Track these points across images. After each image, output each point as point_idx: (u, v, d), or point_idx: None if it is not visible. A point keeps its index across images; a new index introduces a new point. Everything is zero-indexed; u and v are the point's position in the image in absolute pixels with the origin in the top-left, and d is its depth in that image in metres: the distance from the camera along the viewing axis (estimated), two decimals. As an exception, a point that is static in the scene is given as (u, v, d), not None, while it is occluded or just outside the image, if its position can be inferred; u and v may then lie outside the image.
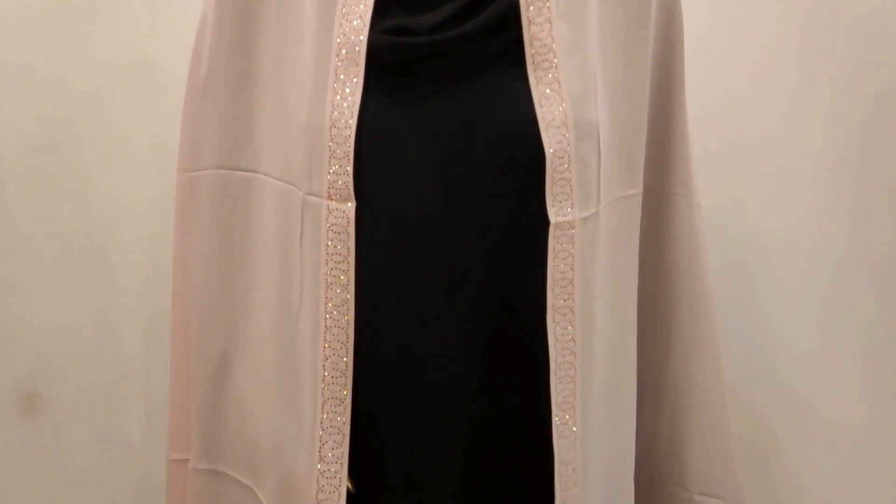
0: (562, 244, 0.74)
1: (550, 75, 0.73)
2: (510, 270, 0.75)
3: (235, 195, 0.80)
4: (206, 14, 0.80)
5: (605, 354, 0.78)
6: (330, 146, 0.72)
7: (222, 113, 0.80)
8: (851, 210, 1.05)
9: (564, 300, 0.74)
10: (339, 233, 0.73)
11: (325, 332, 0.73)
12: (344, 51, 0.72)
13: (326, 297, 0.73)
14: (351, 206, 0.73)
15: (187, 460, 0.87)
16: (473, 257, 0.74)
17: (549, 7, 0.73)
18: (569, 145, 0.72)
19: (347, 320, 0.73)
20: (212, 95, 0.80)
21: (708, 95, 1.07)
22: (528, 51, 0.73)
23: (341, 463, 0.74)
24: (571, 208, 0.74)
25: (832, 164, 1.05)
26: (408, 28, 0.73)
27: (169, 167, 0.91)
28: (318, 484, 0.74)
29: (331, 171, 0.72)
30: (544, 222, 0.73)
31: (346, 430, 0.74)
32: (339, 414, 0.74)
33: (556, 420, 0.74)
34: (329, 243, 0.73)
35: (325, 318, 0.73)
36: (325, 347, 0.74)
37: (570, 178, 0.73)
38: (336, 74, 0.73)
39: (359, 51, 0.72)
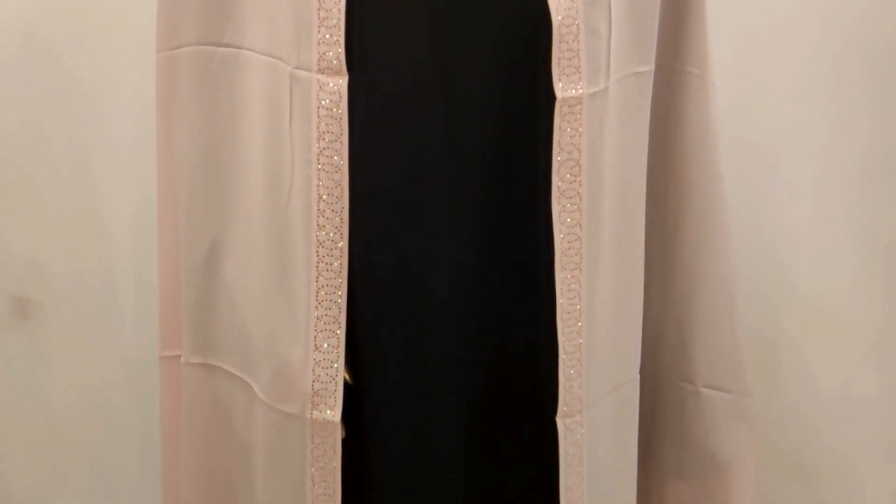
0: (568, 122, 0.69)
1: None
2: (513, 150, 0.71)
3: (219, 73, 0.75)
4: None
5: (613, 241, 0.74)
6: (319, 13, 0.66)
7: None
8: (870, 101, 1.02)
9: (570, 182, 0.70)
10: (331, 109, 0.68)
11: (318, 217, 0.70)
12: None
13: (319, 179, 0.69)
14: (343, 81, 0.68)
15: (179, 356, 0.84)
16: (474, 136, 0.70)
17: None
18: (577, 12, 0.67)
19: (341, 204, 0.69)
20: None
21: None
22: None
23: (338, 352, 0.71)
24: (579, 83, 0.69)
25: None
26: None
27: (151, 55, 0.86)
28: (313, 374, 0.71)
29: (320, 39, 0.67)
30: (550, 98, 0.68)
31: (342, 318, 0.71)
32: (335, 301, 0.71)
33: (560, 307, 0.72)
34: (320, 121, 0.69)
35: (318, 202, 0.69)
36: (318, 232, 0.70)
37: (578, 50, 0.68)
38: None
39: None
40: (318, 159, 0.69)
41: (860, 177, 1.07)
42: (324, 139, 0.69)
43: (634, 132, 0.76)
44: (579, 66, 0.68)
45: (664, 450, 0.88)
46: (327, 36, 0.67)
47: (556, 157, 0.69)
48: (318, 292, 0.71)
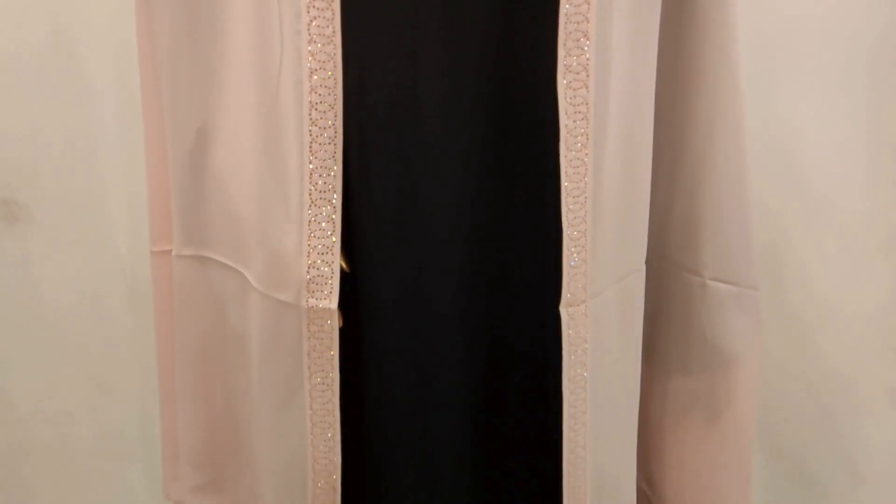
0: None
1: None
2: (517, 20, 0.66)
3: None
4: None
5: (620, 121, 0.71)
6: None
7: None
8: None
9: (577, 56, 0.66)
10: None
11: (311, 92, 0.66)
12: None
13: (310, 51, 0.65)
14: None
15: (171, 251, 0.82)
16: (475, 8, 0.66)
17: None
18: None
19: (335, 78, 0.65)
20: None
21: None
22: None
23: (333, 238, 0.68)
24: None
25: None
26: None
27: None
28: (308, 259, 0.69)
29: None
30: None
31: (338, 201, 0.68)
32: (329, 183, 0.67)
33: (565, 190, 0.68)
34: None
35: (310, 76, 0.65)
36: (310, 110, 0.66)
37: None
38: None
39: None
40: (308, 30, 0.65)
41: (870, 70, 1.03)
42: (314, 7, 0.64)
43: (647, 3, 0.71)
44: None
45: (668, 345, 0.86)
46: None
47: (563, 27, 0.65)
48: (311, 174, 0.67)
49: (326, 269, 0.69)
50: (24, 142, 1.09)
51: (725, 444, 0.86)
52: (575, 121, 0.67)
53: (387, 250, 0.71)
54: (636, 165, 0.74)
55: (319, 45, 0.65)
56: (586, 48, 0.66)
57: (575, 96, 0.67)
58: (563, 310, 0.71)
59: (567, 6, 0.65)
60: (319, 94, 0.66)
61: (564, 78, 0.66)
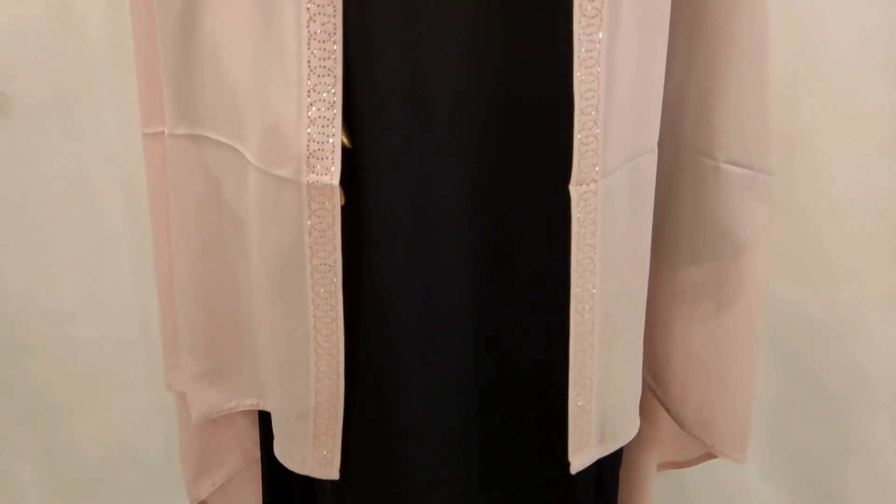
0: None
1: None
2: None
3: None
4: None
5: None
6: None
7: None
8: None
9: None
10: None
11: None
12: None
13: None
14: None
15: (163, 132, 0.78)
16: None
17: None
18: None
19: None
20: None
21: None
22: None
23: (334, 109, 0.65)
24: None
25: None
26: None
27: None
28: (307, 132, 0.65)
29: None
30: None
31: (338, 72, 0.64)
32: (329, 53, 0.64)
33: (578, 59, 0.65)
34: None
35: None
36: None
37: None
38: None
39: None
40: None
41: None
42: None
43: None
44: None
45: (678, 232, 0.84)
46: None
47: None
48: (310, 41, 0.63)
49: (327, 143, 0.66)
50: (7, 31, 1.05)
51: (733, 333, 0.85)
52: None
53: (390, 128, 0.68)
54: (651, 41, 0.70)
55: None
56: None
57: None
58: (572, 189, 0.69)
59: None
60: None
61: None
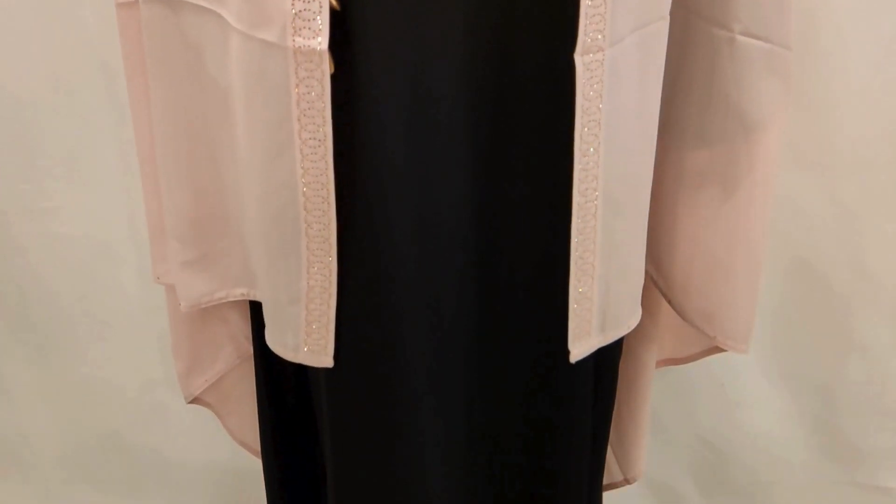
0: None
1: None
2: None
3: None
4: None
5: None
6: None
7: None
8: None
9: None
10: None
11: None
12: None
13: None
14: None
15: (137, 0, 0.73)
16: None
17: None
18: None
19: None
20: None
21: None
22: None
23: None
24: None
25: None
26: None
27: None
28: (294, -11, 0.60)
29: None
30: None
31: None
32: None
33: None
34: None
35: None
36: None
37: None
38: None
39: None
40: None
41: None
42: None
43: None
44: None
45: (687, 110, 0.79)
46: None
47: None
48: None
49: (314, 3, 0.61)
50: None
51: (742, 218, 0.81)
52: None
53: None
54: None
55: None
56: None
57: None
58: (577, 58, 0.64)
59: None
60: None
61: None
